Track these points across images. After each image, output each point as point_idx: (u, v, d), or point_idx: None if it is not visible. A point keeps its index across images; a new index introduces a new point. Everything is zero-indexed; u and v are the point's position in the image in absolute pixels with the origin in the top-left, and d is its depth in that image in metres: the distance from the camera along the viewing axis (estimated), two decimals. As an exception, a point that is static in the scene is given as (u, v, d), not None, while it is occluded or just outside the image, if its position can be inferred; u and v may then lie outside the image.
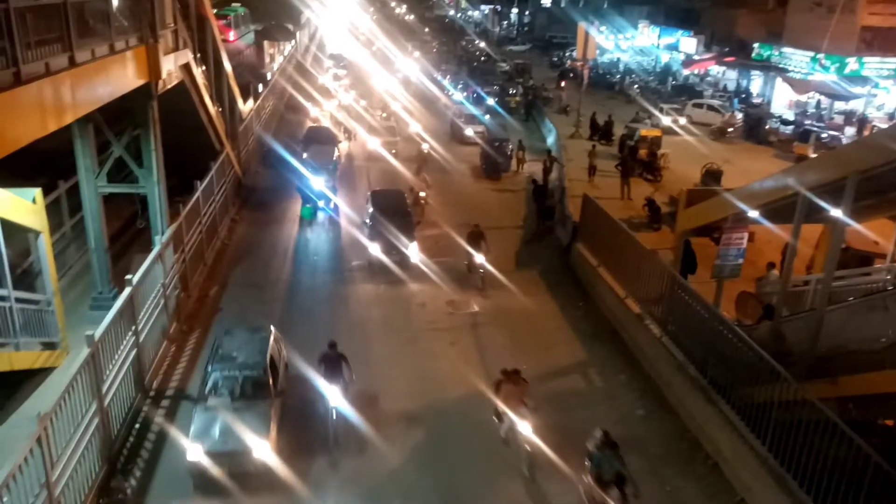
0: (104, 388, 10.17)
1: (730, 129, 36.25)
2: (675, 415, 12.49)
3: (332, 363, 11.79)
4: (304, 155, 24.33)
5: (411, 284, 17.80)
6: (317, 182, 21.77)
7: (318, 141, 26.77)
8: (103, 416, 10.08)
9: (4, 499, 7.28)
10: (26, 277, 12.89)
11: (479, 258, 17.42)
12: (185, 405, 12.19)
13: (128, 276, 11.76)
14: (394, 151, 29.73)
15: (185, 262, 15.55)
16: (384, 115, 34.68)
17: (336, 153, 26.05)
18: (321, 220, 22.07)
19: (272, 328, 12.68)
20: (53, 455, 8.44)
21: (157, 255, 13.20)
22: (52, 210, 15.19)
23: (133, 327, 11.63)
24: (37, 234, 12.11)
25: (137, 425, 11.51)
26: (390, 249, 18.37)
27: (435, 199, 23.92)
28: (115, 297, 12.92)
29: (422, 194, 22.70)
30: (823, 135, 34.19)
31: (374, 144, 30.11)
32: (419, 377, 13.65)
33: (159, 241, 13.60)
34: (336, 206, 22.09)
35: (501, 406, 11.22)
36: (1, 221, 10.82)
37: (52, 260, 12.52)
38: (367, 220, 19.82)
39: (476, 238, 17.73)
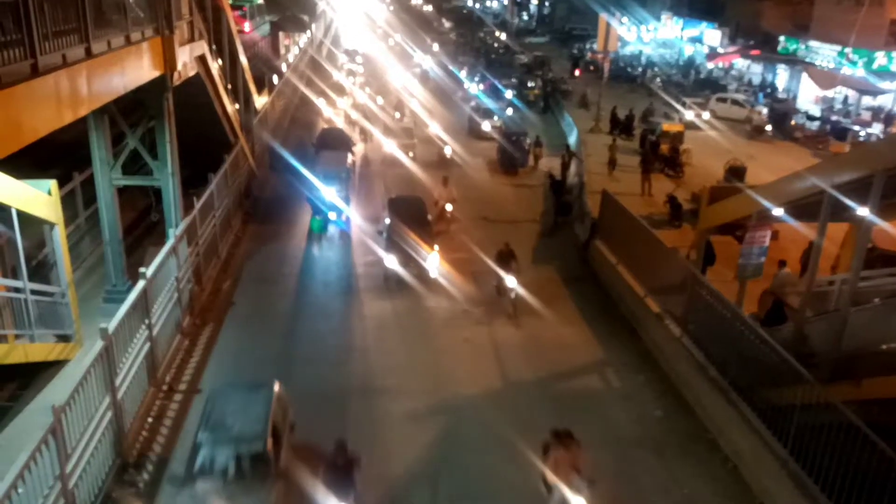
0: (117, 382, 10.15)
1: (767, 128, 35.36)
2: (693, 416, 12.28)
3: (341, 474, 9.14)
4: (316, 161, 22.50)
5: (430, 300, 16.57)
6: (328, 192, 20.05)
7: (332, 145, 25.07)
8: (116, 410, 10.06)
9: (20, 490, 7.27)
10: (41, 269, 12.95)
11: (510, 281, 15.81)
12: (197, 400, 12.14)
13: (142, 269, 11.73)
14: (411, 154, 28.06)
15: (199, 256, 15.53)
16: (399, 115, 32.99)
17: (350, 159, 24.60)
18: (332, 234, 20.43)
19: (275, 385, 10.42)
20: (68, 447, 8.44)
21: (171, 248, 13.17)
22: (67, 202, 15.25)
23: (146, 321, 11.60)
24: (52, 225, 12.11)
25: (150, 419, 11.49)
26: (408, 261, 17.23)
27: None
28: (128, 290, 12.92)
29: (448, 207, 20.87)
30: (861, 133, 33.45)
31: (391, 147, 28.45)
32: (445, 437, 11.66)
33: (173, 233, 13.58)
34: (348, 218, 20.39)
35: (551, 476, 9.30)
36: (17, 213, 10.84)
37: (66, 252, 12.54)
38: (384, 230, 18.58)
39: (506, 258, 16.11)
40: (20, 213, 10.92)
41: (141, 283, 11.47)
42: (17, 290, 11.23)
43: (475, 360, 14.10)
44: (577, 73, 52.28)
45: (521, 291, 15.99)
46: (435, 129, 31.82)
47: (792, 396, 9.80)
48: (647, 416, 12.41)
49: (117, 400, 10.10)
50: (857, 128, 33.90)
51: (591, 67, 53.00)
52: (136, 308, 11.19)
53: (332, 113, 34.41)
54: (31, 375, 11.79)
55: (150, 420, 11.46)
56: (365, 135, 31.01)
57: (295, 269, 18.24)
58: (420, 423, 11.96)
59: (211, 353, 13.71)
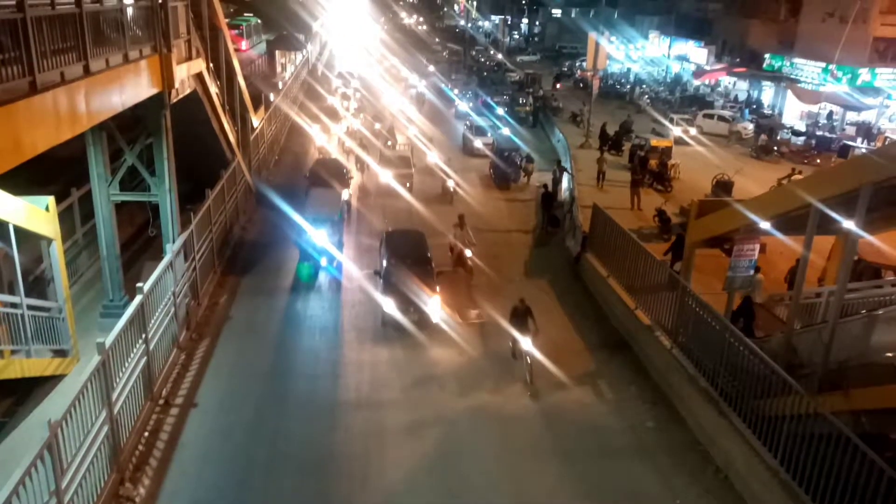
0: (114, 396, 10.18)
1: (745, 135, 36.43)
2: (685, 426, 12.42)
3: None
4: (307, 200, 20.05)
5: (432, 350, 14.97)
6: (319, 236, 17.83)
7: (326, 177, 22.94)
8: (113, 424, 10.09)
9: (14, 505, 7.30)
10: (38, 284, 13.00)
11: (526, 344, 13.87)
12: (193, 414, 12.21)
13: (139, 284, 11.79)
14: (408, 185, 25.98)
15: (196, 270, 15.62)
16: (391, 143, 30.43)
17: (346, 195, 22.63)
18: (322, 283, 18.11)
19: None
20: (64, 462, 8.44)
21: (168, 263, 13.26)
22: (65, 217, 15.31)
23: (143, 335, 11.65)
24: (49, 241, 12.20)
25: (146, 433, 11.51)
26: (407, 306, 15.54)
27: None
28: (125, 305, 12.99)
29: (467, 253, 18.52)
30: (861, 149, 33.87)
31: (387, 177, 26.01)
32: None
33: (170, 249, 13.67)
34: (340, 264, 18.31)
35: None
36: (15, 229, 10.92)
37: (63, 267, 12.61)
38: (381, 269, 16.79)
39: (521, 317, 14.07)
40: (18, 229, 11.00)
41: (138, 298, 11.53)
42: (14, 305, 11.28)
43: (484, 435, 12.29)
44: (558, 86, 55.03)
45: (540, 357, 13.89)
46: (434, 157, 29.43)
47: (782, 407, 9.93)
48: (639, 426, 12.53)
49: (113, 414, 10.12)
50: (859, 143, 34.43)
51: (581, 85, 53.79)
52: (133, 323, 11.23)
53: (326, 140, 31.97)
54: (29, 390, 11.81)
55: (146, 434, 11.48)
56: (361, 164, 28.96)
57: (278, 324, 16.03)
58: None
59: (207, 368, 13.77)
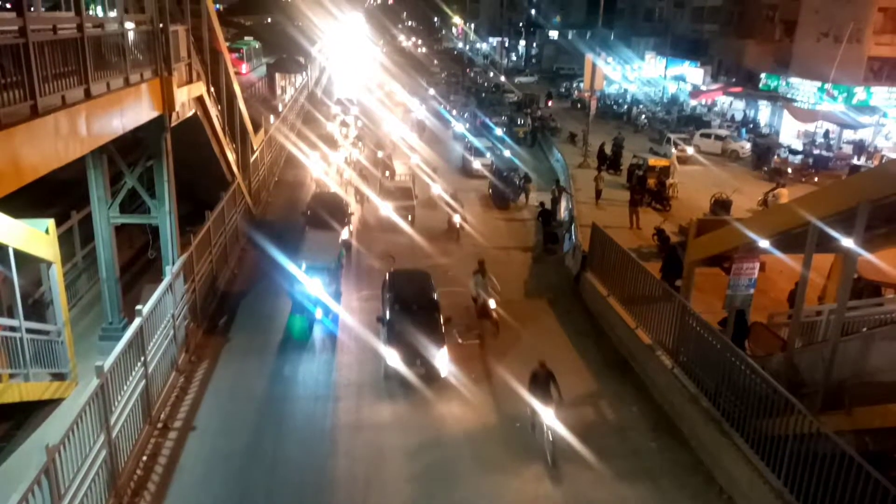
0: (112, 420, 10.12)
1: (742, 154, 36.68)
2: (688, 447, 12.33)
3: None
4: (302, 243, 18.27)
5: (440, 409, 13.49)
6: (315, 286, 16.11)
7: (325, 215, 21.11)
8: (111, 448, 10.02)
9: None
10: (37, 307, 12.97)
11: (548, 416, 11.85)
12: (191, 439, 12.12)
13: (138, 307, 11.78)
14: (410, 218, 24.54)
15: (195, 292, 15.59)
16: (389, 173, 28.80)
17: (345, 235, 21.13)
18: (317, 340, 16.04)
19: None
20: (61, 487, 8.37)
21: (168, 285, 13.24)
22: (65, 240, 15.32)
23: (142, 358, 11.61)
24: (49, 264, 12.19)
25: (145, 457, 11.42)
26: (413, 358, 14.10)
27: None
28: (124, 328, 12.95)
29: (492, 304, 16.63)
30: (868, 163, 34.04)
31: (387, 210, 24.49)
32: None
33: (170, 271, 13.66)
34: (336, 317, 16.63)
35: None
36: (14, 252, 10.91)
37: (63, 290, 12.60)
38: (383, 316, 15.35)
39: (542, 383, 12.09)
40: (17, 252, 11.00)
41: (137, 321, 11.51)
42: (13, 328, 11.25)
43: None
44: (549, 103, 56.96)
45: (565, 432, 12.02)
46: (438, 189, 27.72)
47: (785, 427, 9.86)
48: (642, 448, 12.44)
49: (112, 438, 10.06)
50: (863, 161, 34.66)
51: (579, 105, 54.26)
52: (132, 346, 11.20)
53: (323, 171, 30.12)
54: (27, 414, 11.74)
55: (144, 458, 11.39)
56: (360, 196, 27.33)
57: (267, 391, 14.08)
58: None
59: (206, 390, 13.69)
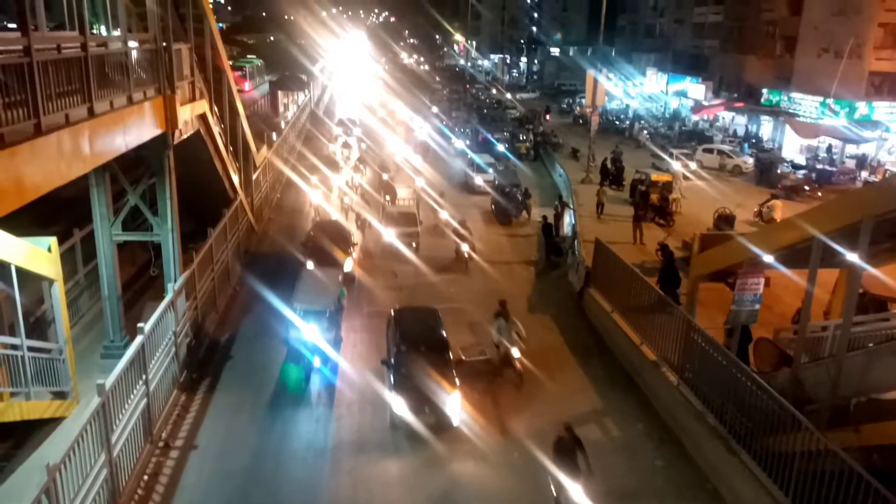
0: (113, 439, 10.07)
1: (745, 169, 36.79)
2: (694, 465, 12.21)
3: None
4: (295, 286, 16.45)
5: (453, 466, 12.20)
6: (312, 332, 14.75)
7: (326, 246, 19.95)
8: (112, 468, 9.95)
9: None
10: (39, 326, 12.92)
11: (577, 493, 10.46)
12: (192, 458, 12.02)
13: (140, 325, 11.74)
14: (414, 245, 23.22)
15: (197, 310, 15.55)
16: (390, 198, 27.56)
17: (348, 266, 19.88)
18: (313, 391, 14.51)
19: None
20: (61, 507, 8.31)
21: (170, 302, 13.21)
22: (67, 258, 15.29)
23: (143, 376, 11.56)
24: (51, 282, 12.16)
25: (146, 476, 11.33)
26: (422, 405, 12.91)
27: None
28: (126, 346, 12.90)
29: (515, 353, 14.96)
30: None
31: (389, 236, 23.21)
32: None
33: (172, 288, 13.63)
34: (336, 366, 15.21)
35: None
36: (16, 269, 10.90)
37: (65, 308, 12.56)
38: (389, 358, 14.20)
39: (568, 451, 10.69)
40: (20, 270, 10.99)
41: (139, 339, 11.47)
42: (14, 347, 11.20)
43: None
44: (547, 117, 57.87)
45: None
46: (445, 215, 26.04)
47: (791, 443, 9.78)
48: (647, 466, 12.33)
49: (112, 458, 10.01)
50: (866, 175, 34.66)
51: (581, 121, 54.45)
52: (134, 364, 11.16)
53: (323, 196, 28.18)
54: (28, 433, 11.67)
55: (145, 478, 11.31)
56: (362, 222, 26.11)
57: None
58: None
59: (208, 409, 13.61)
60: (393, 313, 15.73)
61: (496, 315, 15.40)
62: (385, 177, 30.60)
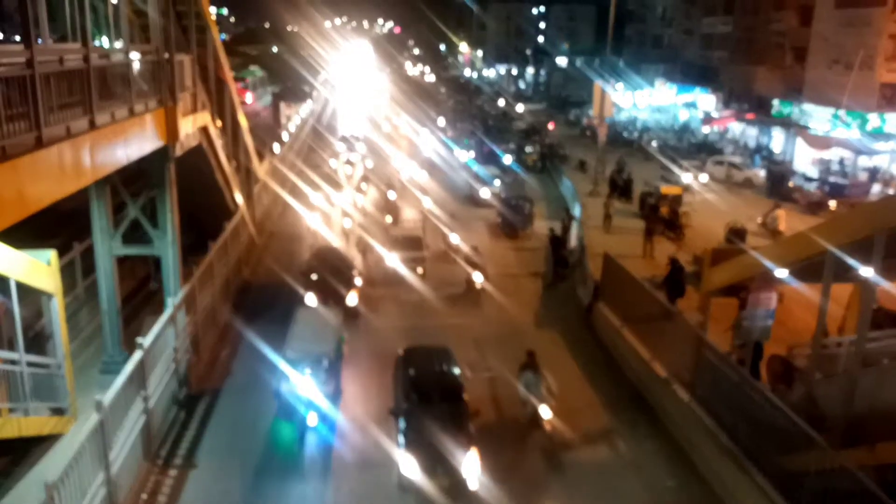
0: (112, 456, 9.91)
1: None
2: (706, 484, 11.94)
3: None
4: (288, 330, 14.64)
5: None
6: (307, 385, 12.87)
7: (327, 276, 18.38)
8: (110, 486, 9.79)
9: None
10: (38, 340, 12.77)
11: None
12: (192, 476, 11.78)
13: (139, 340, 11.58)
14: (420, 271, 21.77)
15: (197, 325, 15.36)
16: (392, 219, 26.72)
17: (351, 300, 18.18)
18: (308, 454, 12.72)
19: None
20: (58, 526, 8.12)
21: (170, 317, 13.04)
22: (66, 271, 15.18)
23: (143, 392, 11.38)
24: (50, 296, 12.02)
25: (145, 495, 11.12)
26: (434, 465, 11.40)
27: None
28: (125, 361, 12.71)
29: (545, 414, 13.13)
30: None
31: (393, 261, 21.64)
32: None
33: (172, 303, 13.46)
34: (333, 423, 13.34)
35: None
36: (16, 284, 10.76)
37: (64, 323, 12.41)
38: (398, 409, 12.54)
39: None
40: (19, 284, 10.85)
41: (138, 354, 11.31)
42: (13, 361, 11.05)
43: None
44: (550, 126, 57.28)
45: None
46: (456, 240, 24.14)
47: (805, 462, 9.56)
48: (659, 485, 12.06)
49: (111, 476, 9.85)
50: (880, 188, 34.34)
51: (588, 133, 54.23)
52: (133, 380, 11.00)
53: (323, 219, 25.84)
54: (26, 450, 11.49)
55: (144, 496, 11.11)
56: (364, 247, 23.79)
57: None
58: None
59: (207, 426, 13.39)
60: (401, 353, 14.12)
61: (522, 368, 13.56)
62: (392, 196, 29.49)
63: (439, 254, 23.70)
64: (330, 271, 18.72)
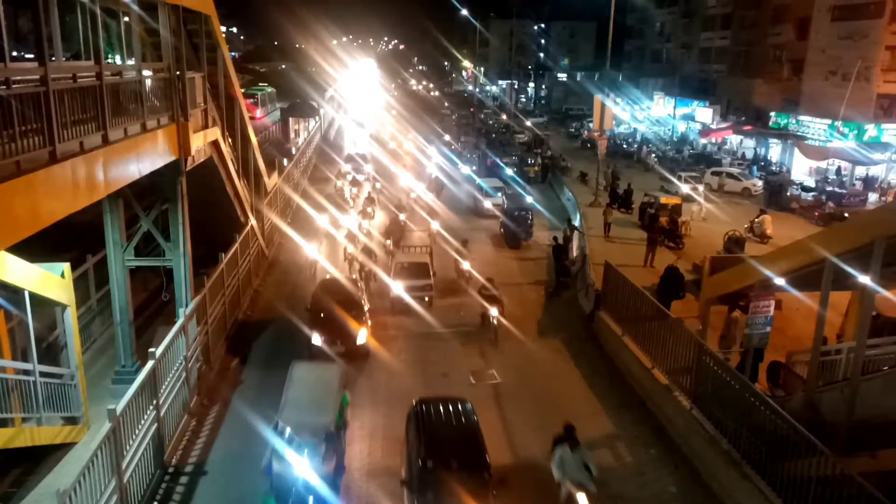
0: (124, 464, 10.05)
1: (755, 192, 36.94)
2: (708, 490, 12.02)
3: None
4: (282, 397, 12.27)
5: None
6: (301, 464, 10.73)
7: (334, 314, 16.93)
8: (122, 494, 9.92)
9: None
10: (51, 350, 12.99)
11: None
12: (202, 483, 11.94)
13: (151, 350, 11.77)
14: (427, 300, 20.47)
15: (208, 335, 15.58)
16: (390, 242, 25.23)
17: (361, 337, 16.74)
18: None
19: None
20: (71, 534, 8.27)
21: (181, 327, 13.25)
22: (79, 283, 15.41)
23: (154, 401, 11.56)
24: (64, 307, 12.25)
25: (156, 502, 11.28)
26: None
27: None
28: (137, 371, 12.93)
29: (583, 502, 10.66)
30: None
31: (398, 290, 20.29)
32: None
33: (183, 313, 13.67)
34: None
35: None
36: (30, 295, 10.99)
37: (77, 334, 12.63)
38: (410, 478, 10.90)
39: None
40: (33, 295, 11.07)
41: (150, 364, 11.49)
42: (26, 372, 11.26)
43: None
44: (547, 134, 59.07)
45: None
46: (468, 266, 22.81)
47: (807, 469, 9.65)
48: (661, 492, 12.15)
49: (123, 483, 9.98)
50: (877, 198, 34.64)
51: (588, 145, 54.73)
52: (145, 389, 11.16)
53: (321, 255, 24.23)
54: (38, 459, 11.67)
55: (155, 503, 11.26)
56: (367, 274, 22.23)
57: None
58: None
59: (218, 434, 13.57)
60: (414, 407, 12.11)
61: (556, 442, 11.18)
62: (402, 217, 28.16)
63: (450, 282, 22.47)
64: (337, 306, 17.21)
